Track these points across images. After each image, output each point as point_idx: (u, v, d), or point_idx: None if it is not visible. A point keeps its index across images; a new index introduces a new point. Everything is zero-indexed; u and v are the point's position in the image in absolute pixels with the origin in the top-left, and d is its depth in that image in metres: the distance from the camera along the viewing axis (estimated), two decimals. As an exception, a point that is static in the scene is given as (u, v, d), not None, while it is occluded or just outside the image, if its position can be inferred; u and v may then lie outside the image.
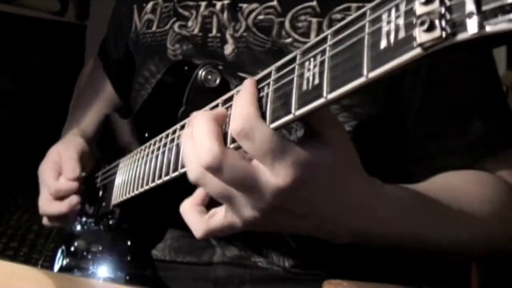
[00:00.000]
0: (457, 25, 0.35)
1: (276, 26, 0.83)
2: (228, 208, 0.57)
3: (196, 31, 0.90)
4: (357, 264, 0.78)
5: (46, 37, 3.51)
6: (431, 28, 0.36)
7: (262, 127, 0.52)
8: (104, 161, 1.02)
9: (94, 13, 3.72)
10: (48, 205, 0.97)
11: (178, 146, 0.67)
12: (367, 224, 0.61)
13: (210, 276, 0.86)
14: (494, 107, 0.81)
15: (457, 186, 0.73)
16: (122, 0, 1.10)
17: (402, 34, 0.39)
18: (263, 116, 0.53)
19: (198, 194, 0.62)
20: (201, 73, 0.77)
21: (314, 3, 0.81)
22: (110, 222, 0.91)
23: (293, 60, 0.52)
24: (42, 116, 3.10)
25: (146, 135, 0.84)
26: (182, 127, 0.68)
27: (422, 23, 0.36)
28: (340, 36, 0.46)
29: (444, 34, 0.35)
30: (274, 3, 0.84)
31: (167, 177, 0.68)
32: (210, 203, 0.61)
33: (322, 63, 0.47)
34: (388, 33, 0.40)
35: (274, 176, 0.52)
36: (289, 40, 0.82)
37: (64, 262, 0.96)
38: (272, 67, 0.54)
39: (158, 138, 0.75)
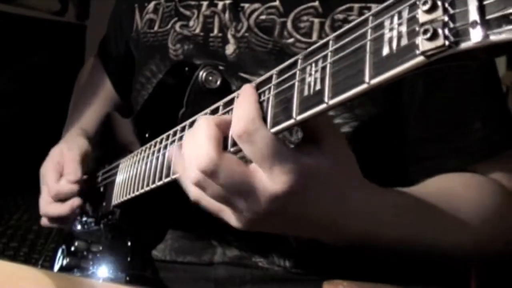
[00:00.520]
0: (461, 34, 0.35)
1: (278, 26, 0.83)
2: (226, 210, 0.58)
3: (197, 30, 0.90)
4: (357, 264, 0.78)
5: (46, 37, 3.50)
6: (434, 36, 0.36)
7: (264, 130, 0.52)
8: (104, 160, 1.02)
9: (94, 13, 3.71)
10: (49, 207, 0.97)
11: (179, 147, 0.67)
12: (363, 228, 0.62)
13: (210, 276, 0.86)
14: (494, 109, 0.80)
15: (453, 190, 0.73)
16: None
17: (404, 41, 0.39)
18: (264, 120, 0.52)
19: None
20: (202, 74, 0.77)
21: (316, 3, 0.81)
22: (111, 222, 0.91)
23: (294, 64, 0.52)
24: (42, 116, 3.10)
25: (147, 135, 0.84)
26: (183, 128, 0.68)
27: (425, 32, 0.36)
28: (342, 42, 0.46)
29: (447, 43, 0.35)
30: (276, 3, 0.84)
31: (168, 179, 0.68)
32: None
33: (323, 68, 0.47)
34: (390, 40, 0.40)
35: (271, 181, 0.52)
36: (291, 40, 0.82)
37: (64, 262, 0.96)
38: (273, 71, 0.54)
39: (158, 139, 0.75)
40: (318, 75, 0.47)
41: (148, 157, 0.77)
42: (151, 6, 0.98)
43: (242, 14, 0.86)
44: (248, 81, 0.83)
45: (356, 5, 0.79)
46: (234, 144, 0.55)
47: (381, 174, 0.81)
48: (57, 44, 3.54)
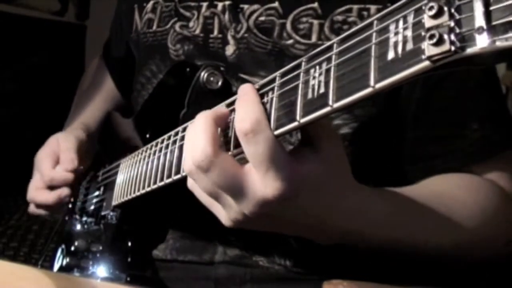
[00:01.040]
0: (466, 39, 0.35)
1: (277, 28, 0.83)
2: (216, 205, 0.59)
3: (197, 31, 0.90)
4: (357, 264, 0.78)
5: (46, 37, 3.49)
6: (440, 41, 0.36)
7: (269, 132, 0.52)
8: (104, 160, 1.02)
9: (94, 13, 3.71)
10: (36, 192, 0.97)
11: (180, 148, 0.67)
12: (356, 228, 0.62)
13: (211, 275, 0.86)
14: (493, 109, 0.81)
15: (447, 191, 0.73)
16: None
17: (410, 46, 0.39)
18: (267, 121, 0.53)
19: None
20: (203, 75, 0.77)
21: (315, 4, 0.81)
22: (111, 222, 0.91)
23: (298, 66, 0.51)
24: (42, 116, 3.09)
25: (148, 135, 0.84)
26: (184, 129, 0.68)
27: (431, 37, 0.36)
28: (347, 45, 0.46)
29: (453, 48, 0.35)
30: (276, 4, 0.84)
31: (169, 180, 0.68)
32: None
33: (328, 71, 0.47)
34: (395, 44, 0.40)
35: (263, 186, 0.53)
36: (290, 41, 0.82)
37: (64, 262, 0.96)
38: (277, 73, 0.54)
39: (160, 139, 0.75)
40: (322, 78, 0.47)
41: (149, 157, 0.76)
42: (149, 5, 0.98)
43: (242, 15, 0.86)
44: (247, 82, 0.83)
45: (355, 7, 0.79)
46: (237, 146, 0.55)
47: (380, 174, 0.81)
48: (57, 44, 3.54)
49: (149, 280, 0.87)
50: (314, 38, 0.81)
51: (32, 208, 1.01)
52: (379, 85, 0.41)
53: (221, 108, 0.60)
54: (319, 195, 0.56)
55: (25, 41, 3.36)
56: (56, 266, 1.00)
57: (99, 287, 0.75)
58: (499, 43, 0.33)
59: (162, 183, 0.70)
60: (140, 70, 0.99)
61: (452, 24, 0.36)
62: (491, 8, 0.34)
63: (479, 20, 0.34)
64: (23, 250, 2.67)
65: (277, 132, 0.52)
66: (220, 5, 0.88)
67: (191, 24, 0.91)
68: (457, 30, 0.35)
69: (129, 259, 0.86)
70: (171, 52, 0.92)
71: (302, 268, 0.83)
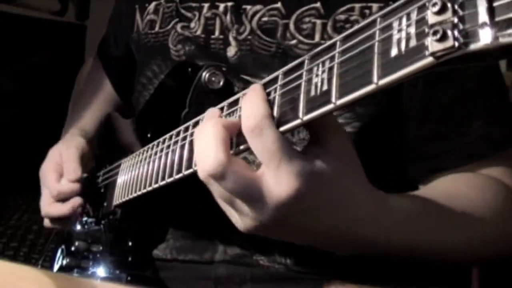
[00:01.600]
0: (470, 35, 0.35)
1: (281, 28, 0.83)
2: (232, 212, 0.58)
3: (199, 32, 0.90)
4: (358, 264, 0.78)
5: (46, 37, 3.50)
6: (443, 37, 0.36)
7: (274, 127, 0.52)
8: (105, 160, 1.02)
9: (94, 13, 3.71)
10: (50, 207, 0.97)
11: (182, 148, 0.67)
12: (369, 234, 0.61)
13: (211, 274, 0.86)
14: (496, 106, 0.80)
15: (458, 192, 0.73)
16: None
17: (413, 42, 0.39)
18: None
19: None
20: (205, 75, 0.77)
21: (318, 4, 0.81)
22: (112, 222, 0.91)
23: (301, 65, 0.52)
24: (42, 116, 3.09)
25: (149, 136, 0.84)
26: (186, 129, 0.68)
27: (434, 33, 0.36)
28: (350, 43, 0.46)
29: (456, 44, 0.36)
30: (278, 4, 0.84)
31: (171, 179, 0.68)
32: None
33: (330, 69, 0.47)
34: (399, 41, 0.41)
35: (278, 185, 0.52)
36: (293, 42, 0.82)
37: (64, 262, 0.95)
38: (280, 72, 0.54)
39: (161, 139, 0.75)
40: (325, 75, 0.48)
41: (150, 157, 0.76)
42: (151, 7, 0.98)
43: (244, 17, 0.86)
44: (250, 82, 0.84)
45: (358, 5, 0.79)
46: (238, 144, 0.55)
47: (383, 173, 0.81)
48: (57, 44, 3.54)
49: (150, 280, 0.87)
50: (317, 38, 0.81)
51: (47, 223, 1.01)
52: (382, 81, 0.42)
53: (231, 119, 0.59)
54: (334, 193, 0.55)
55: (25, 41, 3.36)
56: (56, 266, 1.00)
57: (99, 287, 0.75)
58: (502, 39, 0.33)
59: (164, 182, 0.70)
60: (141, 71, 1.00)
61: (455, 20, 0.36)
62: (495, 4, 0.34)
63: (483, 16, 0.34)
64: (23, 250, 2.67)
65: (281, 129, 0.52)
66: (221, 6, 0.89)
67: (192, 24, 0.91)
68: (461, 26, 0.36)
69: (129, 259, 0.86)
70: (172, 52, 0.93)
71: (302, 267, 0.83)
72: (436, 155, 0.79)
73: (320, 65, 0.49)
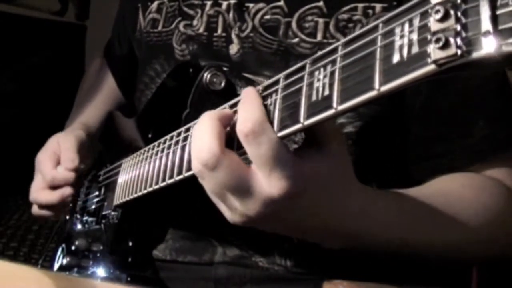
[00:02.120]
0: (473, 43, 0.35)
1: (283, 26, 0.83)
2: (221, 204, 0.59)
3: (201, 30, 0.90)
4: (358, 264, 0.78)
5: (46, 37, 3.49)
6: (446, 45, 0.36)
7: (271, 133, 0.52)
8: (106, 158, 1.02)
9: (94, 13, 3.71)
10: (39, 193, 0.97)
11: (182, 149, 0.67)
12: (358, 231, 0.62)
13: (210, 276, 0.86)
14: (499, 107, 0.80)
15: (452, 191, 0.73)
16: None
17: (415, 49, 0.39)
18: (270, 123, 0.53)
19: None
20: (206, 75, 0.77)
21: (320, 3, 0.81)
22: (112, 222, 0.91)
23: (302, 68, 0.51)
24: (42, 116, 3.09)
25: (150, 136, 0.84)
26: (188, 129, 0.68)
27: (437, 40, 0.36)
28: (351, 48, 0.46)
29: (459, 52, 0.35)
30: (281, 3, 0.84)
31: (171, 180, 0.68)
32: None
33: (332, 73, 0.47)
34: (401, 48, 0.40)
35: (268, 185, 0.53)
36: (295, 40, 0.82)
37: (64, 261, 0.96)
38: (281, 75, 0.54)
39: (162, 140, 0.75)
40: (327, 80, 0.47)
41: (151, 157, 0.76)
42: (154, 5, 0.98)
43: (247, 14, 0.86)
44: (251, 81, 0.84)
45: (361, 5, 0.79)
46: (240, 146, 0.55)
47: (384, 173, 0.81)
48: (57, 44, 3.53)
49: (150, 280, 0.87)
50: (319, 37, 0.81)
51: (35, 209, 1.01)
52: (383, 88, 0.41)
53: (225, 109, 0.60)
54: (324, 195, 0.56)
55: (25, 41, 3.35)
56: (56, 266, 1.00)
57: (99, 287, 0.75)
58: (505, 48, 0.33)
59: (164, 183, 0.70)
60: (143, 70, 0.99)
61: (458, 28, 0.36)
62: (498, 12, 0.34)
63: (486, 24, 0.34)
64: (23, 250, 2.67)
65: (280, 133, 0.52)
66: (224, 3, 0.89)
67: (195, 22, 0.91)
68: (464, 34, 0.35)
69: (129, 259, 0.86)
70: (177, 52, 0.92)
71: (302, 268, 0.83)
72: (439, 155, 0.78)
73: (322, 69, 0.49)
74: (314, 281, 0.80)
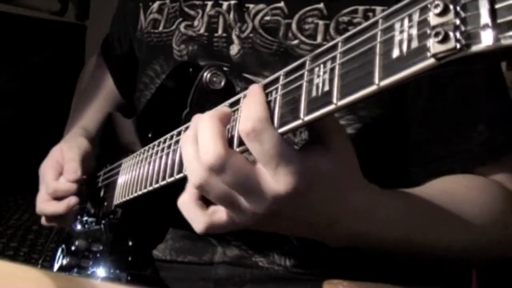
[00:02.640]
0: (472, 37, 0.35)
1: (283, 28, 0.83)
2: (229, 211, 0.58)
3: (202, 30, 0.90)
4: (358, 264, 0.78)
5: (46, 37, 3.50)
6: (445, 39, 0.36)
7: (272, 130, 0.52)
8: (106, 160, 1.02)
9: (94, 13, 3.71)
10: (44, 204, 0.97)
11: None
12: (363, 229, 0.62)
13: (210, 276, 0.86)
14: (499, 111, 0.80)
15: (456, 192, 0.73)
16: None
17: (415, 44, 0.39)
18: (271, 120, 0.53)
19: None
20: (206, 75, 0.77)
21: (321, 5, 0.81)
22: (112, 222, 0.91)
23: (302, 65, 0.52)
24: (42, 116, 3.09)
25: (150, 135, 0.84)
26: (187, 129, 0.68)
27: (436, 34, 0.36)
28: (351, 44, 0.46)
29: (458, 46, 0.36)
30: (281, 4, 0.84)
31: (171, 179, 0.68)
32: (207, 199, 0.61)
33: (332, 69, 0.47)
34: (400, 42, 0.41)
35: (275, 182, 0.52)
36: (295, 41, 0.82)
37: (64, 261, 0.96)
38: (281, 72, 0.54)
39: (162, 139, 0.75)
40: (327, 76, 0.48)
41: (151, 157, 0.77)
42: (155, 6, 0.98)
43: (247, 15, 0.86)
44: (252, 81, 0.84)
45: (361, 8, 0.79)
46: (240, 144, 0.55)
47: (384, 176, 0.81)
48: (57, 44, 3.54)
49: (150, 279, 0.87)
50: (319, 39, 0.81)
51: (44, 221, 1.00)
52: (383, 82, 0.42)
53: (224, 108, 0.60)
54: (330, 191, 0.56)
55: (25, 41, 3.36)
56: (56, 266, 1.00)
57: (99, 287, 0.75)
58: (504, 41, 0.33)
59: (164, 182, 0.70)
60: (143, 70, 1.00)
61: (457, 22, 0.36)
62: (497, 6, 0.34)
63: (485, 18, 0.34)
64: (23, 250, 2.67)
65: (281, 130, 0.52)
66: (225, 4, 0.89)
67: (195, 23, 0.91)
68: (463, 28, 0.36)
69: (129, 259, 0.86)
70: (175, 52, 0.93)
71: (302, 268, 0.83)
72: (440, 158, 0.79)
73: (322, 66, 0.49)
74: (314, 281, 0.80)
